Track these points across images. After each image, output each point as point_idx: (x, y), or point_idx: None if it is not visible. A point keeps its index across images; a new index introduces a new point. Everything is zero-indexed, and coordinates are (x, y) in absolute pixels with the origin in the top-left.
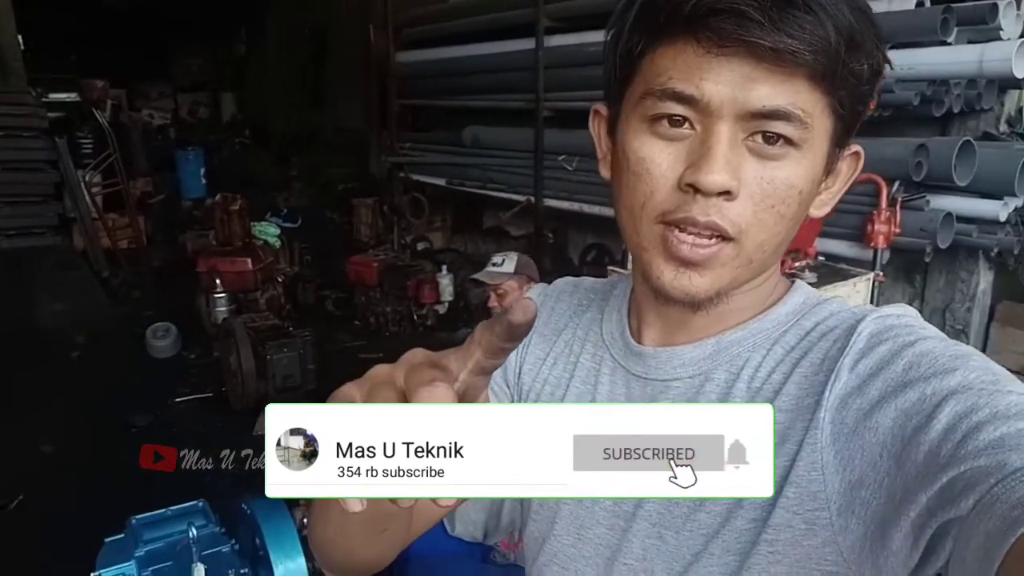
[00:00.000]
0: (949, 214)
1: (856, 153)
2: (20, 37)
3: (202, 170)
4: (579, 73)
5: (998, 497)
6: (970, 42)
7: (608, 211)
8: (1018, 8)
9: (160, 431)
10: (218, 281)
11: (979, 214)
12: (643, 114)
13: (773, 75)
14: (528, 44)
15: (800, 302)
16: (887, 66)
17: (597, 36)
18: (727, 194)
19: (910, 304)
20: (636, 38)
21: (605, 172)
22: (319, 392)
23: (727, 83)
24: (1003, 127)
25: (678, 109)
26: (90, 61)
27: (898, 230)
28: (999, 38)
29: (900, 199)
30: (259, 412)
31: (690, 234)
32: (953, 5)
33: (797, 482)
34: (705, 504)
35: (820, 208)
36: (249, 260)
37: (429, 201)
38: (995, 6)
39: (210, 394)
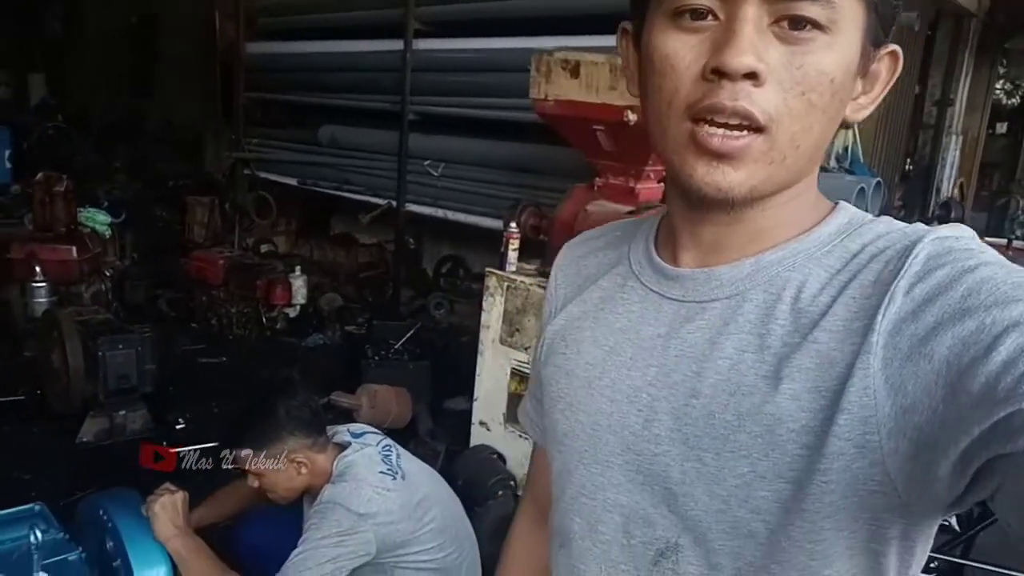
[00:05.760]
0: None
1: (893, 52)
2: None
3: (7, 152)
4: (446, 79)
5: None
6: None
7: (469, 219)
8: None
9: None
10: (38, 269)
11: None
12: (667, 9)
13: None
14: (395, 45)
15: (844, 223)
16: None
17: (466, 43)
18: (754, 78)
19: None
20: None
21: (633, 89)
22: (157, 397)
23: None
24: (832, 163)
25: None
26: None
27: None
28: None
29: None
30: (84, 417)
31: (719, 126)
32: None
33: (849, 409)
34: (744, 425)
35: (858, 112)
36: (74, 248)
37: (275, 202)
38: None
39: (22, 397)
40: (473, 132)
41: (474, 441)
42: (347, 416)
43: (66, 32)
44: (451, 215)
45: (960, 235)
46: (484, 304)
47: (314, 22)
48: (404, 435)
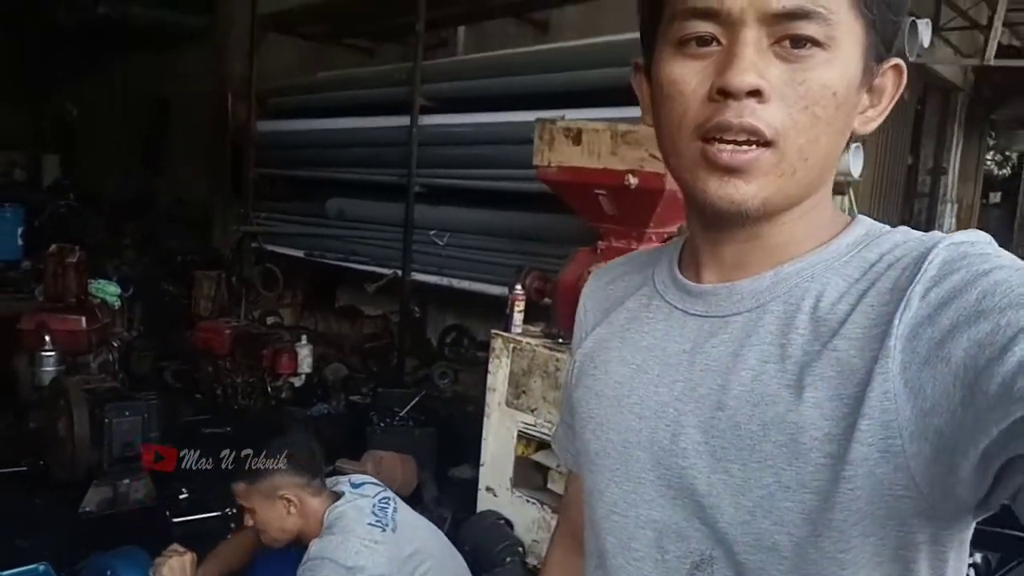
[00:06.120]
0: None
1: (896, 66)
2: None
3: (20, 229)
4: (451, 152)
5: None
6: None
7: (474, 286)
8: None
9: None
10: (47, 338)
11: None
12: (673, 39)
13: None
14: (402, 121)
15: (862, 234)
16: None
17: (470, 118)
18: (758, 95)
19: None
20: None
21: (647, 119)
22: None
23: None
24: None
25: (703, 27)
26: None
27: None
28: None
29: None
30: (88, 486)
31: (728, 143)
32: None
33: (870, 414)
34: (769, 434)
35: (866, 124)
36: (84, 318)
37: (282, 275)
38: None
39: (25, 468)
40: (477, 202)
41: (481, 507)
42: None
43: (80, 114)
44: (456, 283)
45: (976, 240)
46: (490, 366)
47: (323, 101)
48: (409, 502)
